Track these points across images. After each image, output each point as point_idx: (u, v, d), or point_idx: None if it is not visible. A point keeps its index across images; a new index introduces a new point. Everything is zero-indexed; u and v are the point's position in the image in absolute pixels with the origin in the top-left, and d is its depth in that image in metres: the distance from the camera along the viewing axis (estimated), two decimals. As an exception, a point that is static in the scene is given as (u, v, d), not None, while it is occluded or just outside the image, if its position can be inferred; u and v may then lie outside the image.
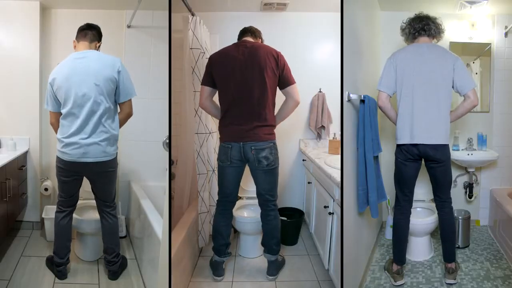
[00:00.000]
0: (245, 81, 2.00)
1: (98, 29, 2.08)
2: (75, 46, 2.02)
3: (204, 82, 2.11)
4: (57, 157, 1.98)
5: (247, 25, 2.23)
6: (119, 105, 2.03)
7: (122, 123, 2.06)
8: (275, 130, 2.13)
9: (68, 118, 1.92)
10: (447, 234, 2.05)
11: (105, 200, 2.12)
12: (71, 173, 2.00)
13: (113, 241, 2.15)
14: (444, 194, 2.04)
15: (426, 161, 1.99)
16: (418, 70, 1.92)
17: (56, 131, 2.02)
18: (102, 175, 2.03)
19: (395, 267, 2.09)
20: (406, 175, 2.02)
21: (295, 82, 2.09)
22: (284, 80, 2.06)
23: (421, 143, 1.90)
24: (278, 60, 2.03)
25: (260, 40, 2.25)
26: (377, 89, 2.04)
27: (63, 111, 1.92)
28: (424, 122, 1.90)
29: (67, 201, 2.10)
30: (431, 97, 1.90)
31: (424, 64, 1.92)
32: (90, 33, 2.01)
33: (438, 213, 2.08)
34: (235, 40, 2.18)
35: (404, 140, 1.94)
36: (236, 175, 2.16)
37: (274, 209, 2.20)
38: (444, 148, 1.93)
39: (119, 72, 1.93)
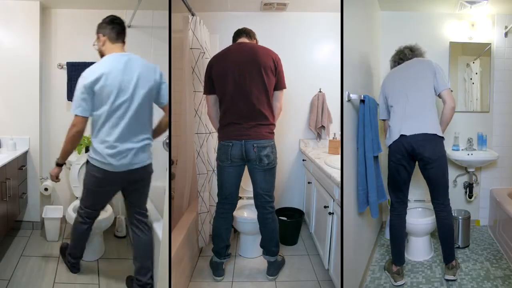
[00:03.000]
0: (244, 79, 2.00)
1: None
2: (103, 43, 1.85)
3: (206, 91, 2.12)
4: (94, 166, 1.77)
5: (247, 25, 2.24)
6: (160, 107, 1.93)
7: (164, 126, 1.95)
8: (277, 130, 2.13)
9: (111, 121, 1.73)
10: (445, 237, 2.06)
11: (140, 207, 1.94)
12: (110, 183, 1.82)
13: (149, 258, 1.89)
14: (441, 197, 2.02)
15: (418, 162, 1.99)
16: (399, 84, 2.08)
17: (78, 140, 1.82)
18: (145, 179, 1.91)
19: (394, 267, 2.09)
20: (398, 178, 2.05)
21: (285, 88, 2.13)
22: (278, 84, 2.08)
23: (406, 134, 1.93)
24: (276, 63, 2.06)
25: (255, 40, 2.26)
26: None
27: (105, 113, 1.72)
28: (410, 117, 1.96)
29: (94, 212, 1.98)
30: (416, 98, 1.98)
31: (405, 78, 2.07)
32: (123, 34, 1.89)
33: (436, 216, 2.08)
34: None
35: (392, 138, 1.99)
36: (236, 175, 2.13)
37: (272, 211, 2.19)
38: (432, 143, 1.91)
39: (160, 75, 1.86)
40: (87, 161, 1.84)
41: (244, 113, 2.01)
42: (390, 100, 2.10)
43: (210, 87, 2.09)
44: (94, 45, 1.92)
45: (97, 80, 1.70)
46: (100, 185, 1.83)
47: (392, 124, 2.03)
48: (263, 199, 2.15)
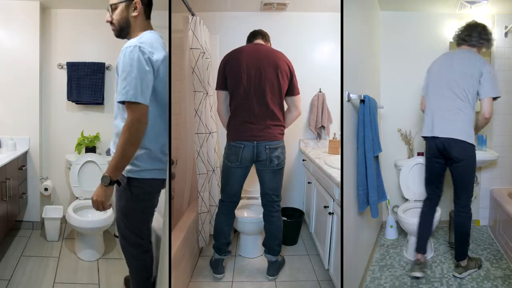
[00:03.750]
0: (260, 78, 2.00)
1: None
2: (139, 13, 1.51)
3: (218, 86, 2.12)
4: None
5: (247, 25, 2.26)
6: None
7: None
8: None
9: None
10: (459, 235, 2.09)
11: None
12: None
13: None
14: (462, 198, 2.04)
15: (447, 160, 2.02)
16: (443, 75, 2.05)
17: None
18: None
19: (417, 255, 2.10)
20: (430, 172, 2.13)
21: (300, 94, 2.15)
22: (292, 89, 2.11)
23: (438, 136, 1.98)
24: (290, 68, 2.10)
25: (269, 44, 2.27)
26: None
27: None
28: (443, 118, 1.99)
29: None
30: (453, 97, 1.97)
31: (450, 69, 2.02)
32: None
33: (454, 214, 2.10)
34: (235, 40, 2.20)
35: (425, 133, 2.06)
36: (243, 175, 2.16)
37: (278, 210, 2.21)
38: (462, 145, 1.93)
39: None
40: None
41: (257, 112, 2.02)
42: (429, 85, 2.11)
43: (222, 83, 2.10)
44: (111, 17, 1.51)
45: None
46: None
47: (426, 112, 2.11)
48: (270, 198, 2.18)
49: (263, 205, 2.21)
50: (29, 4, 2.70)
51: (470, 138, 1.94)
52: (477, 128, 2.05)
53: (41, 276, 2.15)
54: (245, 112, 2.03)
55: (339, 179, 1.74)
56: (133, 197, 1.50)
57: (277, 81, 2.03)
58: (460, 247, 2.09)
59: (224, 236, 2.20)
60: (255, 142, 2.04)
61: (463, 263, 2.09)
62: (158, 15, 3.13)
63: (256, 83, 2.01)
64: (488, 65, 1.98)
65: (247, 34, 2.26)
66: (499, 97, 1.96)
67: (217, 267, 2.21)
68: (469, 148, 1.95)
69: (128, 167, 1.42)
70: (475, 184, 2.80)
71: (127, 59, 1.35)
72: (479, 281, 2.06)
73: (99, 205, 1.42)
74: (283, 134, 2.13)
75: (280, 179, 2.18)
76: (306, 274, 2.29)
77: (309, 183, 2.82)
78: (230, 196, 2.19)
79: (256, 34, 2.21)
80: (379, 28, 2.82)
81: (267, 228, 2.23)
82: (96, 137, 2.87)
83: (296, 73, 2.11)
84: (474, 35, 2.04)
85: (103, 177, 1.36)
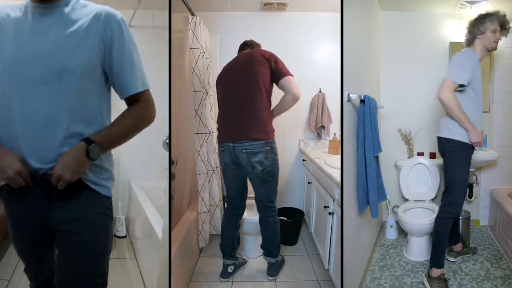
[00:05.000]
0: (235, 79, 2.02)
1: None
2: None
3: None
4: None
5: (247, 25, 2.27)
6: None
7: None
8: (276, 130, 2.08)
9: None
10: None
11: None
12: None
13: None
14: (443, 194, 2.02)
15: None
16: (479, 74, 1.93)
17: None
18: None
19: (435, 272, 1.99)
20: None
21: (291, 75, 1.96)
22: (277, 73, 1.95)
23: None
24: (265, 55, 1.97)
25: None
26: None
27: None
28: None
29: None
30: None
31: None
32: None
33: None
34: (235, 40, 2.22)
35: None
36: (234, 179, 2.10)
37: (274, 214, 2.15)
38: (443, 141, 1.94)
39: None
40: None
41: (233, 112, 1.98)
42: (471, 82, 1.87)
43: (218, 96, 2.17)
44: None
45: None
46: None
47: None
48: (263, 204, 2.12)
49: (258, 210, 2.16)
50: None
51: (447, 134, 1.93)
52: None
53: (41, 276, 2.15)
54: (225, 114, 2.05)
55: (339, 179, 1.74)
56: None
57: (254, 73, 1.94)
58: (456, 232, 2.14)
59: (225, 239, 2.20)
60: (232, 144, 1.96)
61: (457, 247, 2.11)
62: (158, 15, 3.14)
63: (233, 85, 2.02)
64: (458, 52, 1.90)
65: (247, 34, 2.27)
66: (461, 84, 1.82)
67: (222, 270, 2.21)
68: (449, 145, 1.93)
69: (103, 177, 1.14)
70: (474, 184, 2.81)
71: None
72: (479, 281, 2.05)
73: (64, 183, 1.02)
74: (266, 132, 1.93)
75: (271, 185, 2.03)
76: (306, 274, 2.29)
77: (309, 183, 2.82)
78: (229, 199, 2.20)
79: (244, 45, 2.25)
80: (379, 28, 2.83)
81: (264, 232, 2.19)
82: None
83: (296, 73, 2.09)
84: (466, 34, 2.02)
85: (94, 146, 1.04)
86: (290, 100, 1.98)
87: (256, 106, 1.94)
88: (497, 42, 1.95)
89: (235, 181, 2.13)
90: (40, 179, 1.02)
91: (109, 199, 1.15)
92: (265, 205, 2.11)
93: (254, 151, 1.89)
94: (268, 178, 1.99)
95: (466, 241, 2.21)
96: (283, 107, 2.04)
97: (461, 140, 1.89)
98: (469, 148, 1.92)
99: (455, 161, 1.93)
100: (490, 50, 1.97)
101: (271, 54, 2.00)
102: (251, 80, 1.95)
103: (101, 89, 1.12)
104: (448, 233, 1.97)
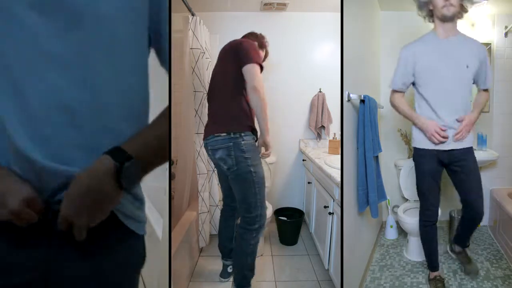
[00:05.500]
0: (212, 78, 1.97)
1: None
2: None
3: None
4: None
5: (247, 25, 2.27)
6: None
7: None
8: (274, 131, 2.09)
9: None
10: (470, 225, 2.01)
11: None
12: None
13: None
14: None
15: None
16: None
17: None
18: None
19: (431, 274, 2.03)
20: None
21: (255, 62, 1.65)
22: (240, 61, 1.67)
23: None
24: (232, 44, 1.81)
25: None
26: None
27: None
28: None
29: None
30: None
31: None
32: None
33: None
34: (235, 40, 2.19)
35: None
36: (221, 179, 2.09)
37: (249, 229, 1.73)
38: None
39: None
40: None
41: (211, 108, 1.91)
42: (417, 79, 1.86)
43: None
44: None
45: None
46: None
47: None
48: (240, 211, 1.79)
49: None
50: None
51: None
52: None
53: (41, 276, 2.15)
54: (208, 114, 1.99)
55: (339, 179, 1.74)
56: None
57: (222, 66, 1.84)
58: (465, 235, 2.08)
59: (222, 240, 2.20)
60: (203, 141, 1.80)
61: (458, 249, 2.12)
62: (158, 15, 3.12)
63: (210, 84, 1.96)
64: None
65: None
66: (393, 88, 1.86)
67: (222, 270, 2.21)
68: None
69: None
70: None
71: None
72: (479, 281, 2.05)
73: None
74: (230, 126, 1.65)
75: (244, 189, 1.69)
76: (306, 274, 2.29)
77: (309, 183, 2.82)
78: (223, 199, 2.19)
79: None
80: (379, 28, 2.83)
81: (234, 252, 1.84)
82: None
83: (296, 73, 2.08)
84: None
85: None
86: (252, 96, 1.63)
87: (221, 101, 1.77)
88: (449, 6, 1.61)
89: (222, 181, 2.12)
90: None
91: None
92: (241, 212, 1.78)
93: (215, 147, 1.68)
94: (237, 179, 1.71)
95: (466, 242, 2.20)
96: (254, 109, 1.69)
97: (418, 146, 1.85)
98: (429, 153, 1.80)
99: (417, 169, 1.89)
100: (442, 18, 1.69)
101: (238, 42, 1.76)
102: (220, 75, 1.87)
103: None
104: (434, 238, 1.96)
